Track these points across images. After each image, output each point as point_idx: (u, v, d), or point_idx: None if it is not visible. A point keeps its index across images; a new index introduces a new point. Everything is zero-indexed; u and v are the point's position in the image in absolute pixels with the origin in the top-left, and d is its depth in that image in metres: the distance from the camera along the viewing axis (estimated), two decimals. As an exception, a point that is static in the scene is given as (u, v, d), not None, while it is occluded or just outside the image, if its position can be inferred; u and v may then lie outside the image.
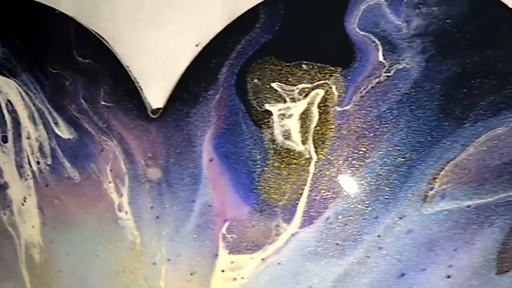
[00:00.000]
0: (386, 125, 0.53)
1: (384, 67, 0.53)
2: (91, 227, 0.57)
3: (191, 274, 0.55)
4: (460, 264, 0.52)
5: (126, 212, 0.56)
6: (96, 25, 0.59)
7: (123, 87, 0.57)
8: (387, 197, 0.53)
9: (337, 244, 0.53)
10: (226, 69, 0.55)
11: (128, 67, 0.58)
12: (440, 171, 0.52)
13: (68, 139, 0.57)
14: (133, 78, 0.57)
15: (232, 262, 0.54)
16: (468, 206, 0.52)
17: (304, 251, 0.54)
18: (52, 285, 0.57)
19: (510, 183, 0.51)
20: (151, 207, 0.56)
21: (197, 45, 0.57)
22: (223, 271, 0.54)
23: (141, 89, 0.57)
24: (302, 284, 0.53)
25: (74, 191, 0.57)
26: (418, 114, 0.52)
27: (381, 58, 0.53)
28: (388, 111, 0.53)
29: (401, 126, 0.53)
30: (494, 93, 0.52)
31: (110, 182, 0.56)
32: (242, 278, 0.54)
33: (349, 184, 0.53)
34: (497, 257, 0.52)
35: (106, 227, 0.56)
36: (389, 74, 0.53)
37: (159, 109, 0.56)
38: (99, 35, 0.58)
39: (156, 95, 0.58)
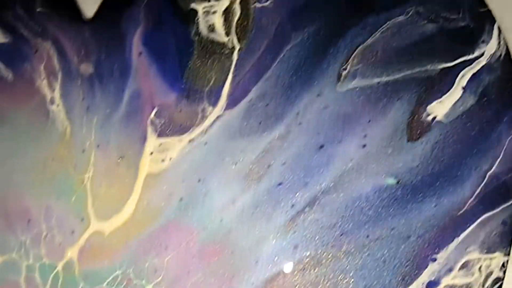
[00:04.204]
0: (302, 18, 0.53)
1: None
2: (21, 122, 0.53)
3: (120, 158, 0.51)
4: (374, 134, 0.51)
5: (58, 105, 0.53)
6: None
7: (59, -5, 0.56)
8: (305, 78, 0.52)
9: (260, 123, 0.51)
10: (155, -27, 0.55)
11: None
12: (352, 54, 0.52)
13: (2, 43, 0.55)
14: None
15: (160, 145, 0.51)
16: (378, 83, 0.51)
17: (229, 131, 0.52)
18: (-22, 179, 0.52)
19: (413, 61, 0.52)
20: (83, 99, 0.53)
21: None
22: (151, 153, 0.51)
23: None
24: (228, 160, 0.51)
25: (6, 90, 0.54)
26: (330, 6, 0.53)
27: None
28: (303, 6, 0.53)
29: (315, 19, 0.53)
30: (395, -15, 0.53)
31: (43, 79, 0.54)
32: (170, 159, 0.51)
33: (270, 67, 0.52)
34: (407, 126, 0.51)
35: (37, 121, 0.53)
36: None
37: (93, 12, 0.55)
38: None
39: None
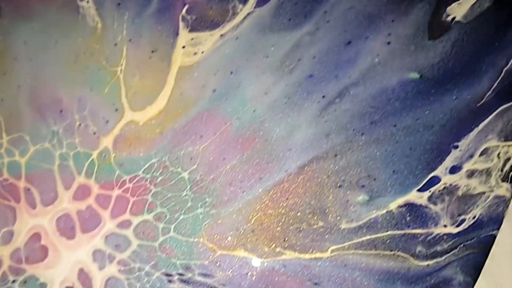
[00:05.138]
0: None
1: None
2: (51, 17, 0.52)
3: (152, 51, 0.51)
4: (398, 32, 0.52)
5: (88, 1, 0.52)
6: None
7: None
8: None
9: (289, 19, 0.52)
10: None
11: None
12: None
13: None
14: None
15: (192, 39, 0.51)
16: (401, -13, 0.53)
17: (260, 27, 0.52)
18: (8, 72, 0.51)
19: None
20: (112, -5, 0.52)
21: None
22: (183, 47, 0.51)
23: None
24: (259, 53, 0.51)
25: (33, -13, 0.53)
26: None
27: None
28: None
29: None
30: None
31: (70, -23, 0.53)
32: (202, 52, 0.51)
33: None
34: (428, 26, 0.53)
35: (67, 16, 0.52)
36: None
37: None
38: None
39: None
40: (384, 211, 0.49)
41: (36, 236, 0.50)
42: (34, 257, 0.51)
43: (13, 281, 0.50)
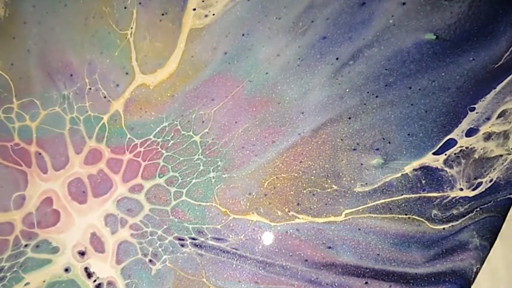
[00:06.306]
0: None
1: None
2: (59, -20, 0.50)
3: (162, 14, 0.49)
4: (414, -7, 0.50)
5: (96, -36, 0.50)
6: None
7: None
8: None
9: (302, -18, 0.50)
10: None
11: None
12: None
13: None
14: None
15: (203, 1, 0.49)
16: None
17: (272, -12, 0.50)
18: (17, 37, 0.49)
19: None
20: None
21: None
22: (194, 9, 0.49)
23: None
24: (271, 15, 0.49)
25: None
26: None
27: None
28: None
29: None
30: None
31: None
32: (214, 14, 0.49)
33: None
34: (446, -14, 0.50)
35: (75, -21, 0.50)
36: None
37: None
38: None
39: None
40: (399, 174, 0.48)
41: (48, 201, 0.49)
42: (46, 221, 0.50)
43: (26, 246, 0.50)
